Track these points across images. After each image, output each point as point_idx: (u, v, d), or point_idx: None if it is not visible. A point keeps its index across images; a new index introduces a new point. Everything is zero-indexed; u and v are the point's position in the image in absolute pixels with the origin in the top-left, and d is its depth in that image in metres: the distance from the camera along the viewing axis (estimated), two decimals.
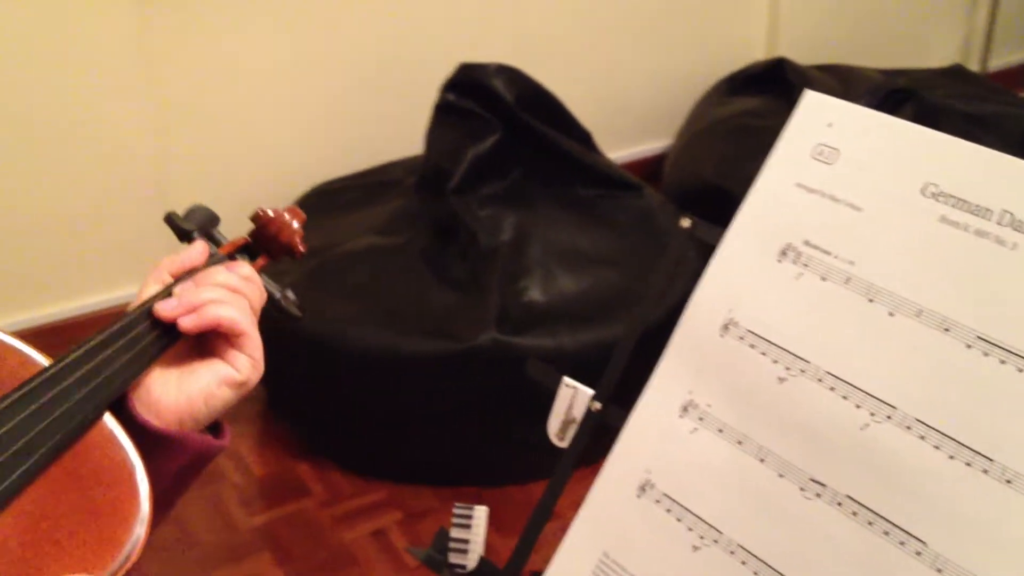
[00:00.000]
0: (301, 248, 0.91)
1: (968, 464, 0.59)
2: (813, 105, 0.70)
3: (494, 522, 2.04)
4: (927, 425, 0.61)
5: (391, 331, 1.99)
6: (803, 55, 2.79)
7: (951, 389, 0.61)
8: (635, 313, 0.71)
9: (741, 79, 2.75)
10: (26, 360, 0.69)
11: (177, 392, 0.76)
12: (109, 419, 0.69)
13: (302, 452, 2.17)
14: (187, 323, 0.75)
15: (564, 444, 0.74)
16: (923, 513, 0.60)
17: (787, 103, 2.63)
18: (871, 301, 0.65)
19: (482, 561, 0.75)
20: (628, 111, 2.93)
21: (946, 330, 0.61)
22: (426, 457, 2.11)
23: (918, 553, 0.60)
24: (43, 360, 0.70)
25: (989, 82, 2.87)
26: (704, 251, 0.74)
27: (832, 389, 0.64)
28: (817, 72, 2.64)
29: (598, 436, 0.73)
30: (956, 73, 2.73)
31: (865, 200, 0.67)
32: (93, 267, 2.37)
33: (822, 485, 0.64)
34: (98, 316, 2.37)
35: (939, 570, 0.58)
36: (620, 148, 2.86)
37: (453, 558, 0.75)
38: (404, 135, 2.44)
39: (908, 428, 0.61)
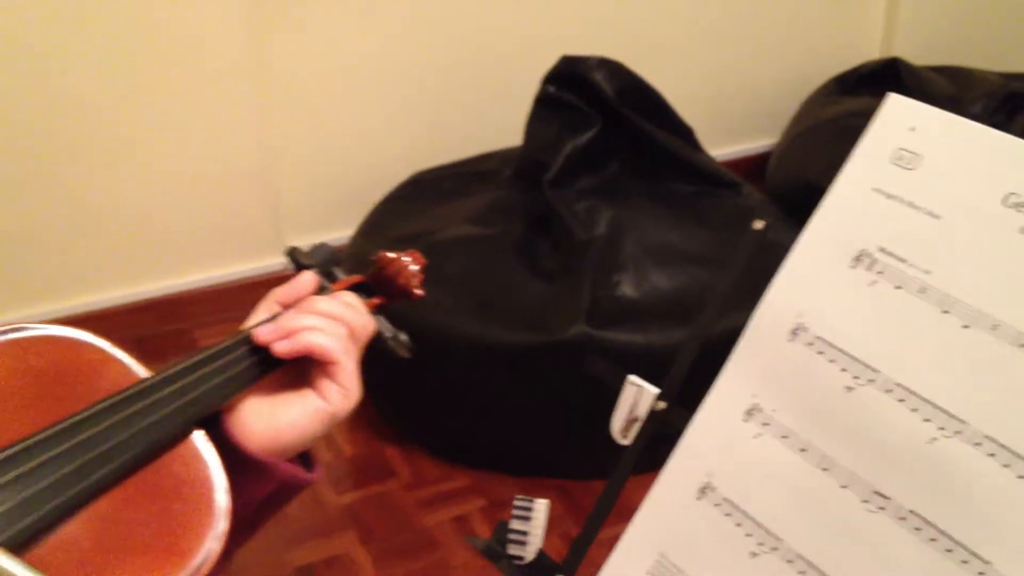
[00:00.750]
0: (418, 292, 0.93)
1: None
2: (895, 108, 0.68)
3: (576, 516, 2.04)
4: (997, 443, 0.59)
5: (482, 321, 2.00)
6: (919, 55, 2.71)
7: None
8: (703, 314, 0.71)
9: (852, 78, 2.68)
10: (127, 371, 0.71)
11: (267, 422, 0.77)
12: (199, 436, 0.71)
13: (390, 435, 2.21)
14: (280, 348, 0.77)
15: (627, 442, 0.74)
16: (988, 532, 0.58)
17: None
18: (945, 312, 0.63)
19: (540, 554, 0.75)
20: (734, 107, 2.88)
21: (1021, 345, 0.59)
22: (511, 447, 2.12)
23: (980, 573, 0.58)
24: (143, 372, 0.72)
25: None
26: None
27: (901, 401, 0.63)
28: (932, 73, 2.56)
29: (661, 437, 0.73)
30: None
31: (944, 208, 0.64)
32: (202, 246, 2.45)
33: (886, 498, 0.62)
34: (205, 292, 2.45)
35: None
36: (723, 145, 2.82)
37: (512, 549, 0.76)
38: (503, 126, 2.46)
39: (978, 444, 0.59)
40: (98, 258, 2.33)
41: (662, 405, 0.73)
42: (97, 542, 0.62)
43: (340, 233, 2.51)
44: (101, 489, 0.64)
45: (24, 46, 2.07)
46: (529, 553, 0.75)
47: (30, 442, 0.63)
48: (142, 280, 2.39)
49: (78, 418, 0.65)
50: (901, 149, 0.67)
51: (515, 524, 0.76)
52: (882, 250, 0.66)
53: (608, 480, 0.73)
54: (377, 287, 0.91)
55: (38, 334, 0.69)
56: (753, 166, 2.86)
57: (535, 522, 0.75)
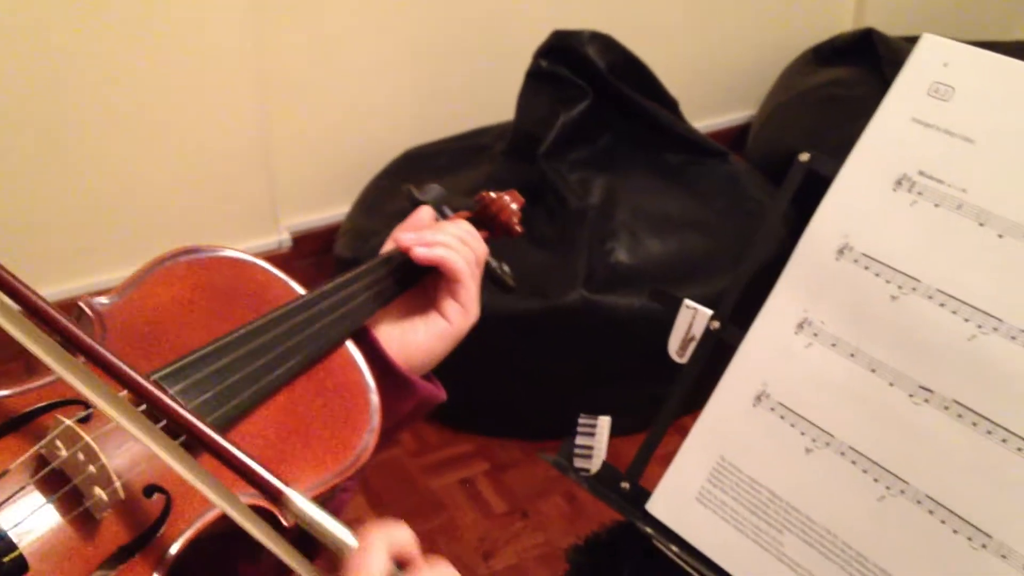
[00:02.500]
0: (518, 228, 1.01)
1: None
2: (931, 46, 0.76)
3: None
4: None
5: (483, 289, 2.05)
6: (891, 26, 2.79)
7: None
8: (754, 243, 0.78)
9: (827, 49, 2.75)
10: (289, 288, 0.82)
11: (399, 344, 0.86)
12: (352, 347, 0.81)
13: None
14: (419, 252, 0.85)
15: (683, 360, 0.81)
16: None
17: (875, 74, 2.61)
18: (981, 225, 0.70)
19: (604, 465, 0.82)
20: (714, 81, 2.96)
21: None
22: (513, 411, 2.18)
23: (1019, 449, 0.66)
24: (301, 290, 0.82)
25: None
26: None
27: (942, 305, 0.70)
28: (905, 43, 2.65)
29: (715, 355, 0.80)
30: None
31: (978, 133, 0.72)
32: (199, 225, 2.47)
33: (930, 391, 0.70)
34: None
35: None
36: (705, 117, 2.89)
37: (578, 463, 0.83)
38: (495, 102, 2.51)
39: (1013, 338, 0.67)
40: (98, 239, 2.35)
41: (716, 324, 0.80)
42: (278, 430, 0.72)
43: (336, 211, 2.55)
44: (280, 385, 0.74)
45: (20, 31, 2.09)
46: (594, 465, 0.82)
47: (221, 343, 0.72)
48: (142, 258, 2.41)
49: (256, 325, 0.75)
50: (936, 83, 0.75)
51: (580, 440, 0.83)
52: (921, 173, 0.74)
53: (667, 396, 0.80)
54: (481, 224, 0.99)
55: (213, 256, 0.80)
56: (733, 137, 2.94)
57: (599, 437, 0.82)
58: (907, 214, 0.73)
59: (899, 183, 0.74)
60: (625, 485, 0.81)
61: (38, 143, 2.20)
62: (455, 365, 2.25)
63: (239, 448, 0.62)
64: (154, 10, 2.18)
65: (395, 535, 0.59)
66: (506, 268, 1.00)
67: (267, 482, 0.61)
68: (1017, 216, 0.69)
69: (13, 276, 0.62)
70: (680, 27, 2.83)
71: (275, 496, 0.61)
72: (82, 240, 2.33)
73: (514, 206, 1.00)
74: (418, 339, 0.87)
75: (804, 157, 0.77)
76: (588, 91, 2.21)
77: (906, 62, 0.76)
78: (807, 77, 2.69)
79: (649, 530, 0.77)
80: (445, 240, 0.86)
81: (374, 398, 0.77)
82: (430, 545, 1.95)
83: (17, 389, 0.65)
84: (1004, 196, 0.70)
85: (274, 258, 2.59)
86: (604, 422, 0.82)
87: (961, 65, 0.74)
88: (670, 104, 2.36)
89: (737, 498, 0.75)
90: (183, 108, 2.32)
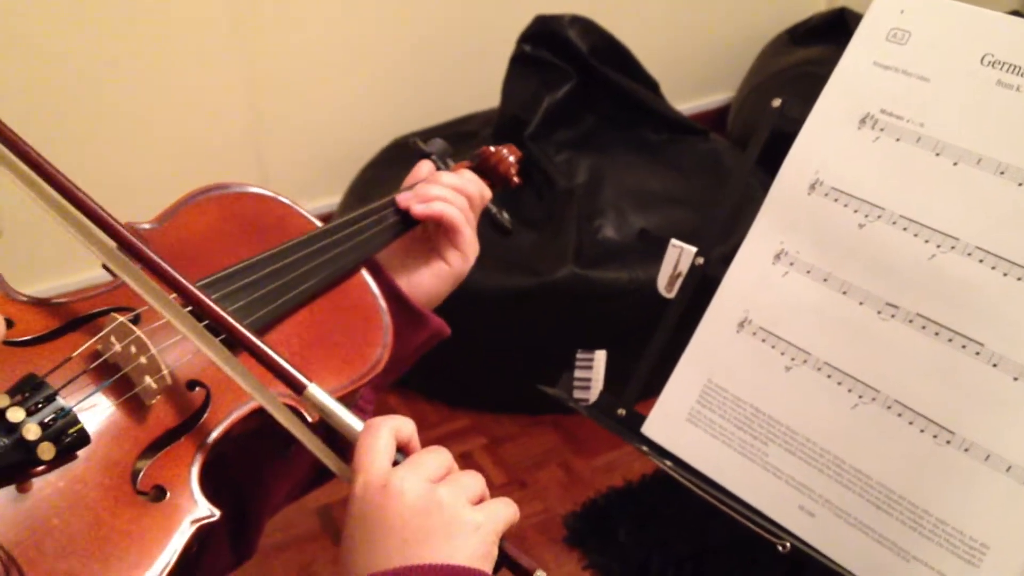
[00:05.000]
0: (516, 179, 1.10)
1: (1020, 279, 0.72)
2: None
3: (572, 446, 2.15)
4: (985, 251, 0.74)
5: (477, 268, 2.12)
6: (864, 4, 2.86)
7: (1006, 220, 0.74)
8: (730, 185, 0.85)
9: (803, 30, 2.83)
10: (307, 221, 0.92)
11: (406, 284, 0.94)
12: (367, 275, 0.90)
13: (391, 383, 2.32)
14: (418, 209, 0.93)
15: (671, 295, 0.88)
16: (981, 321, 0.73)
17: None
18: (938, 155, 0.78)
19: (602, 394, 0.89)
20: (694, 64, 3.02)
21: (1001, 173, 0.74)
22: (508, 387, 2.25)
23: (977, 353, 0.73)
24: (318, 223, 0.92)
25: None
26: None
27: (904, 229, 0.78)
28: None
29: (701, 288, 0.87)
30: None
31: (933, 72, 0.80)
32: None
33: (896, 307, 0.77)
34: None
35: (995, 364, 0.72)
36: (686, 100, 2.96)
37: (578, 394, 0.90)
38: (480, 89, 2.57)
39: (969, 255, 0.74)
40: None
41: (700, 260, 0.87)
42: (302, 341, 0.81)
43: (326, 200, 2.60)
44: (302, 301, 0.83)
45: (11, 32, 2.13)
46: (592, 395, 0.89)
47: (250, 262, 0.82)
48: None
49: (280, 248, 0.84)
50: (894, 28, 0.82)
51: (579, 373, 0.90)
52: (883, 111, 0.81)
53: (657, 328, 0.87)
54: (482, 175, 1.06)
55: (241, 191, 0.90)
56: (714, 119, 3.01)
57: (596, 370, 0.89)
58: (871, 149, 0.81)
59: (863, 121, 0.81)
60: (622, 411, 0.88)
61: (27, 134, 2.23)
62: (451, 343, 2.31)
63: (270, 347, 0.70)
64: (143, 9, 2.23)
65: (398, 423, 0.68)
66: (505, 215, 1.07)
67: (292, 376, 0.69)
68: (969, 144, 0.76)
69: (92, 200, 0.76)
70: (659, 10, 2.90)
71: (300, 388, 0.69)
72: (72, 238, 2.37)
73: (511, 158, 1.08)
74: (423, 280, 0.95)
75: (776, 103, 0.84)
76: (571, 74, 2.27)
77: (867, 11, 0.83)
78: (783, 57, 2.76)
79: (645, 449, 0.83)
80: (440, 194, 0.94)
81: (386, 319, 0.87)
82: None
83: (79, 296, 0.75)
84: (956, 127, 0.77)
85: None
86: (600, 355, 0.89)
87: (916, 11, 0.81)
88: (651, 85, 2.42)
89: (724, 416, 0.82)
90: (172, 104, 2.36)
